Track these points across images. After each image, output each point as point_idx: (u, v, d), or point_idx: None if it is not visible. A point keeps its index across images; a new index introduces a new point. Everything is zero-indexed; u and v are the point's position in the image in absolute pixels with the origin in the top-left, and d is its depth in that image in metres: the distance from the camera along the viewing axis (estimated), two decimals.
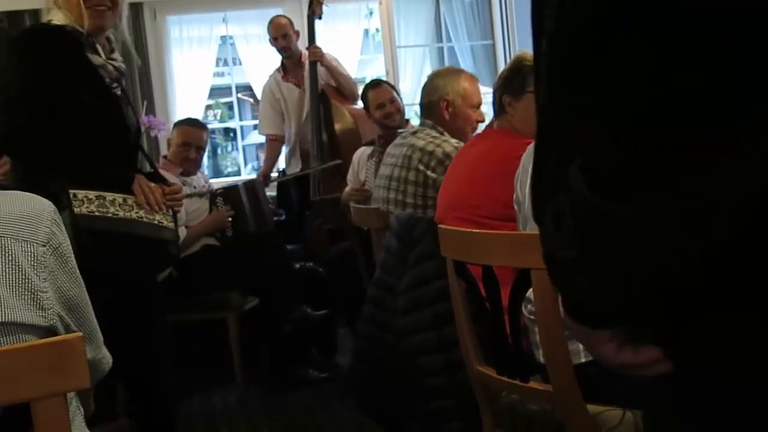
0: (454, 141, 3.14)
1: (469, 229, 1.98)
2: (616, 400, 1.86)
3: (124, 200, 2.71)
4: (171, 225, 2.79)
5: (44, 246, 1.25)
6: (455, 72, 3.33)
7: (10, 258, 1.21)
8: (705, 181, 0.60)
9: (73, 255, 1.33)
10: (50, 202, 1.33)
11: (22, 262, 1.21)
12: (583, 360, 1.86)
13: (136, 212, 2.71)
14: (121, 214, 2.66)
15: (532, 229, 1.98)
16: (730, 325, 0.67)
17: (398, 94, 4.37)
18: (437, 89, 3.26)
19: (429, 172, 3.05)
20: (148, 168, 2.96)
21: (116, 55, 2.81)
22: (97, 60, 2.67)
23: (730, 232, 0.61)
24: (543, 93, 0.70)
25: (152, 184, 2.73)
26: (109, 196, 2.78)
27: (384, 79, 5.12)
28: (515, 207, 2.12)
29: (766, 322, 0.65)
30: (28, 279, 1.21)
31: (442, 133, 3.20)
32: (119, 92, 2.78)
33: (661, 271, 0.64)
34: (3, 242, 1.21)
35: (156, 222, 2.76)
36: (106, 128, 2.76)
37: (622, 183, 0.62)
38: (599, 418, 1.83)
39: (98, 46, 2.70)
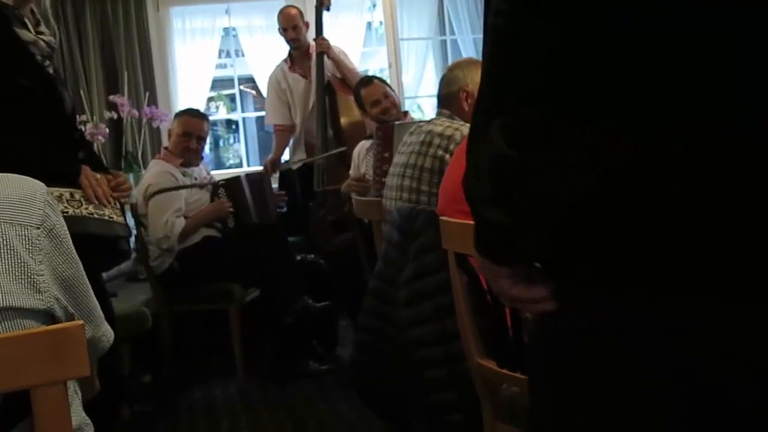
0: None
1: (470, 222, 1.98)
2: None
3: (72, 195, 2.51)
4: (121, 219, 2.61)
5: (38, 228, 1.24)
6: (475, 63, 3.31)
7: (5, 242, 1.20)
8: (579, 144, 0.82)
9: (68, 235, 1.32)
10: (42, 183, 1.32)
11: (17, 245, 1.21)
12: None
13: (86, 208, 2.52)
14: (70, 211, 2.46)
15: None
16: (605, 260, 0.84)
17: (390, 89, 4.37)
18: (457, 80, 3.25)
19: (447, 156, 3.04)
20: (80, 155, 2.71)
21: (43, 28, 2.51)
22: (27, 36, 2.40)
23: (597, 182, 0.82)
24: (483, 68, 0.91)
25: (98, 176, 2.51)
26: (55, 191, 2.53)
27: (387, 70, 5.11)
28: None
29: (632, 256, 0.82)
30: (24, 263, 1.21)
31: (456, 121, 3.20)
32: (51, 71, 2.51)
33: (550, 204, 0.84)
34: None
35: (107, 217, 2.57)
36: (44, 114, 2.51)
37: (529, 139, 0.85)
38: None
39: (25, 20, 2.41)
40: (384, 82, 4.44)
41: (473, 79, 3.21)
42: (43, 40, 2.41)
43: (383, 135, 3.92)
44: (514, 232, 0.89)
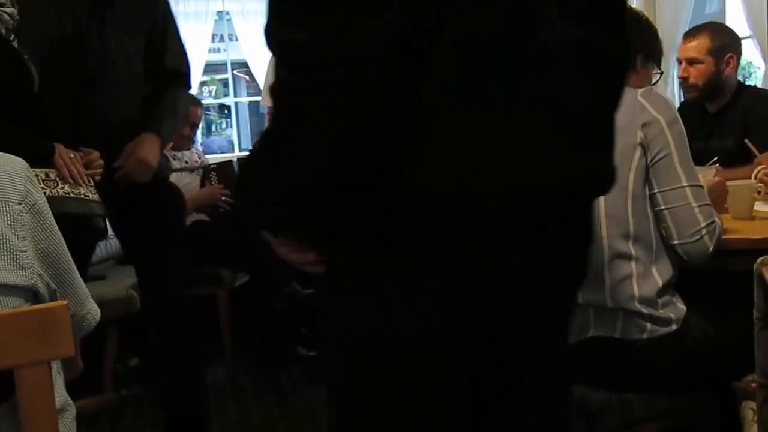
0: None
1: None
2: (603, 382, 1.87)
3: (47, 175, 2.47)
4: (96, 197, 2.57)
5: (20, 204, 1.23)
6: None
7: None
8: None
9: (50, 212, 1.31)
10: (22, 159, 1.31)
11: None
12: (571, 341, 1.86)
13: (62, 188, 2.48)
14: (47, 192, 2.42)
15: None
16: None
17: None
18: None
19: None
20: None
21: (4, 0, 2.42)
22: None
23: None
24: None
25: (72, 154, 2.48)
26: (34, 171, 2.54)
27: None
28: None
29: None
30: (6, 239, 1.20)
31: None
32: (16, 45, 2.43)
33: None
34: None
35: (83, 196, 2.54)
36: (13, 93, 2.44)
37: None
38: (585, 399, 1.84)
39: None
40: None
41: None
42: (6, 12, 2.33)
43: None
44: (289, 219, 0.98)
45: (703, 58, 2.94)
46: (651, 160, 1.82)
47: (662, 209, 1.83)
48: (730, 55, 2.94)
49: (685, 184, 1.81)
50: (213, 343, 4.30)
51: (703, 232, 1.80)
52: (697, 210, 1.81)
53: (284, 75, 0.91)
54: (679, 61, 3.02)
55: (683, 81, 2.99)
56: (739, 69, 3.09)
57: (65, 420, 1.35)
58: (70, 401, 1.37)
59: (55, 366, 1.31)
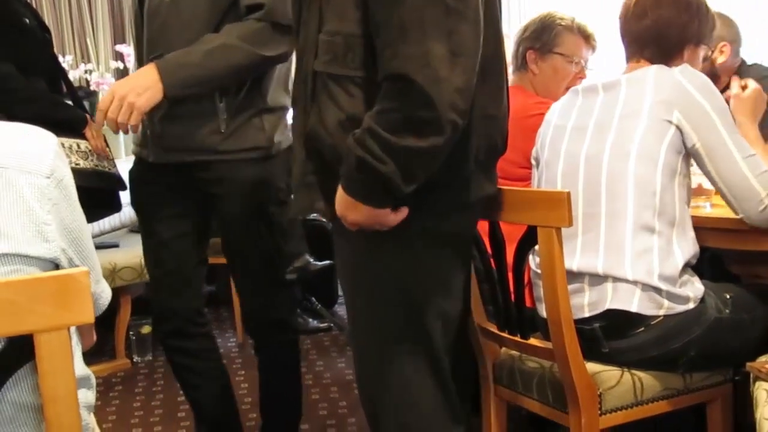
0: None
1: None
2: (616, 359, 1.87)
3: (78, 146, 2.48)
4: (115, 170, 2.60)
5: (48, 178, 1.24)
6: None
7: (15, 190, 1.20)
8: None
9: (74, 188, 1.32)
10: (53, 134, 1.32)
11: (27, 194, 1.21)
12: (586, 314, 1.86)
13: (92, 161, 2.50)
14: (81, 164, 2.45)
15: (547, 178, 1.98)
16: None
17: None
18: None
19: None
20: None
21: None
22: None
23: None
24: None
25: (96, 127, 2.45)
26: (65, 141, 2.48)
27: None
28: (532, 162, 2.11)
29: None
30: (33, 211, 1.21)
31: None
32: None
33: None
34: (7, 174, 1.20)
35: (107, 170, 2.56)
36: (45, 58, 2.42)
37: None
38: (597, 377, 1.84)
39: None
40: None
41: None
42: None
43: None
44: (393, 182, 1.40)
45: None
46: (700, 140, 1.82)
47: (720, 186, 1.84)
48: (723, 44, 2.92)
49: (737, 158, 1.81)
50: (223, 313, 4.32)
51: (766, 201, 1.81)
52: (754, 181, 1.81)
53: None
54: None
55: None
56: None
57: (82, 389, 1.36)
58: (89, 372, 1.37)
59: (75, 338, 1.32)
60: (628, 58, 2.01)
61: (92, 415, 1.43)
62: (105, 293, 1.45)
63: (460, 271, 1.62)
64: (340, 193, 1.45)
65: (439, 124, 1.35)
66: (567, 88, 2.44)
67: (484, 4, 1.43)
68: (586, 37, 2.56)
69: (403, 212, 1.47)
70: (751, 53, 3.19)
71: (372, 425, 1.68)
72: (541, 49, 2.54)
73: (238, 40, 1.98)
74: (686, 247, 1.86)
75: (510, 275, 1.89)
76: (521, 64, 2.59)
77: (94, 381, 1.39)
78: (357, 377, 1.71)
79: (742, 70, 3.00)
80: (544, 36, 2.54)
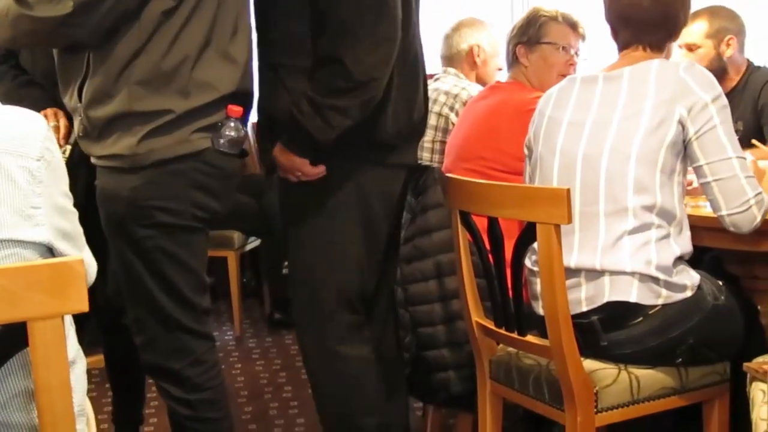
0: (477, 86, 3.12)
1: (476, 180, 1.97)
2: (613, 353, 1.86)
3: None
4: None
5: (39, 161, 1.24)
6: (480, 22, 3.30)
7: (6, 174, 1.20)
8: None
9: (65, 170, 1.32)
10: (42, 117, 1.32)
11: (18, 177, 1.21)
12: (584, 308, 1.86)
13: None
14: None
15: (542, 174, 1.97)
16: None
17: None
18: (466, 38, 3.24)
19: (452, 115, 3.03)
20: None
21: None
22: None
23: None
24: None
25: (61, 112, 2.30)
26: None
27: None
28: (525, 152, 2.10)
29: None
30: (24, 195, 1.21)
31: (462, 79, 3.19)
32: None
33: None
34: None
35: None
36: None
37: None
38: (594, 375, 1.84)
39: None
40: None
41: (486, 37, 3.22)
42: None
43: None
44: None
45: (701, 43, 2.94)
46: (696, 133, 1.81)
47: (709, 181, 1.82)
48: (729, 37, 2.91)
49: (731, 155, 1.81)
50: (221, 306, 4.32)
51: (752, 202, 1.80)
52: (744, 181, 1.80)
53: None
54: (681, 48, 2.99)
55: None
56: None
57: (75, 372, 1.36)
58: (82, 353, 1.38)
59: (68, 319, 1.31)
60: (625, 45, 1.98)
61: (87, 398, 1.43)
62: (93, 266, 1.44)
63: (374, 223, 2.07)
64: (278, 145, 1.98)
65: (356, 92, 1.89)
66: (562, 76, 2.46)
67: (402, 7, 1.90)
68: (572, 25, 2.60)
69: (321, 168, 1.99)
70: (755, 54, 3.20)
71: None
72: (529, 42, 2.58)
73: None
74: (683, 244, 1.87)
75: (508, 271, 1.88)
76: (513, 61, 2.64)
77: (85, 363, 1.39)
78: None
79: (750, 71, 2.99)
80: (530, 30, 2.58)
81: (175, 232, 1.88)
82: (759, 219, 1.81)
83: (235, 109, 1.88)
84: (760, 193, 1.81)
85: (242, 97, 1.93)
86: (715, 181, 1.82)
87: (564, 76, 2.49)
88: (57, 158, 1.30)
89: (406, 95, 2.05)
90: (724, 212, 1.82)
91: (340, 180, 2.01)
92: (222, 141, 1.87)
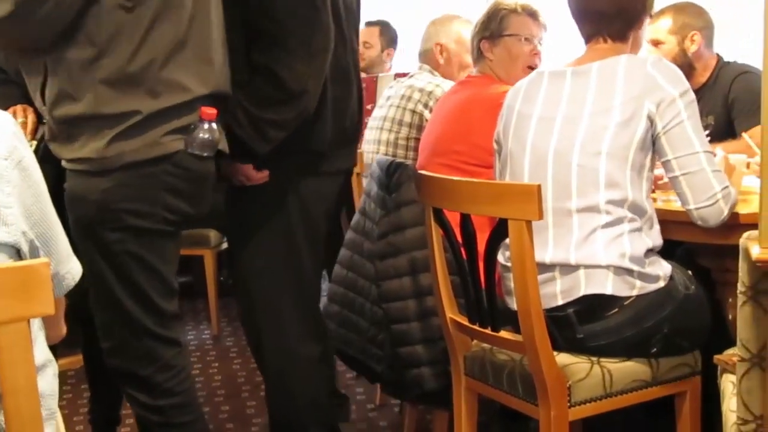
0: (451, 82, 3.12)
1: (449, 176, 1.97)
2: (588, 345, 1.88)
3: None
4: None
5: (6, 159, 1.21)
6: (449, 18, 3.30)
7: None
8: None
9: (38, 168, 1.29)
10: (10, 115, 1.29)
11: None
12: (560, 302, 1.87)
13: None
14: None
15: (513, 170, 1.98)
16: None
17: (390, 42, 4.41)
18: (431, 36, 3.26)
19: (426, 112, 3.04)
20: None
21: None
22: None
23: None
24: None
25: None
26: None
27: None
28: (494, 146, 2.11)
29: None
30: None
31: (436, 76, 3.20)
32: None
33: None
34: None
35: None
36: None
37: None
38: (567, 369, 1.85)
39: None
40: (389, 35, 4.48)
41: (447, 34, 3.22)
42: None
43: (366, 87, 3.89)
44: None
45: (665, 39, 2.99)
46: (663, 128, 1.83)
47: (677, 175, 1.84)
48: (693, 33, 2.96)
49: (698, 149, 1.83)
50: (198, 304, 4.30)
51: (719, 196, 1.82)
52: (711, 175, 1.82)
53: None
54: (648, 43, 3.03)
55: None
56: None
57: (46, 376, 1.34)
58: (52, 357, 1.36)
59: (37, 323, 1.30)
60: (589, 38, 2.00)
61: (56, 402, 1.42)
62: (72, 272, 1.37)
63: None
64: None
65: (291, 103, 1.98)
66: (528, 67, 2.48)
67: (334, 20, 2.01)
68: (532, 15, 2.62)
69: (265, 173, 2.10)
70: (729, 51, 3.22)
71: None
72: (492, 36, 2.59)
73: None
74: (654, 237, 1.90)
75: (480, 264, 1.89)
76: (478, 56, 2.64)
77: (55, 365, 1.37)
78: None
79: (720, 66, 3.02)
80: (492, 24, 2.59)
81: (145, 235, 1.85)
82: (726, 213, 1.83)
83: (209, 111, 1.84)
84: (726, 187, 1.83)
85: (219, 99, 1.91)
86: (683, 175, 1.84)
87: (530, 66, 2.52)
88: (27, 158, 1.26)
89: (340, 105, 2.15)
90: (692, 206, 1.84)
91: (279, 190, 2.13)
92: (195, 143, 1.85)
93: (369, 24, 4.59)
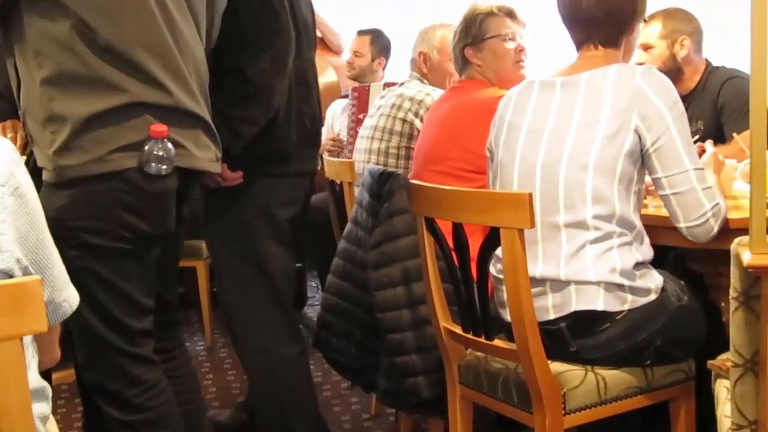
0: (441, 90, 3.13)
1: (440, 186, 1.97)
2: (582, 357, 1.88)
3: None
4: None
5: (3, 186, 1.21)
6: (434, 27, 3.31)
7: None
8: None
9: (35, 195, 1.29)
10: (9, 141, 1.29)
11: None
12: (552, 316, 1.87)
13: None
14: None
15: (503, 181, 1.98)
16: None
17: (382, 50, 4.41)
18: (417, 44, 3.27)
19: (417, 122, 3.04)
20: None
21: None
22: None
23: None
24: None
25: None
26: None
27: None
28: (487, 154, 2.11)
29: None
30: None
31: (427, 85, 3.21)
32: None
33: None
34: None
35: None
36: None
37: None
38: (561, 377, 1.85)
39: None
40: (377, 37, 4.48)
41: (429, 42, 3.22)
42: None
43: (359, 96, 3.89)
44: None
45: (655, 43, 3.02)
46: (653, 145, 1.81)
47: (667, 194, 1.84)
48: (683, 37, 2.98)
49: (688, 167, 1.82)
50: (192, 316, 4.29)
51: (709, 214, 1.81)
52: (701, 193, 1.81)
53: None
54: (638, 48, 3.05)
55: None
56: None
57: (41, 402, 1.33)
58: (45, 384, 1.35)
59: (31, 349, 1.29)
60: (580, 44, 1.98)
61: (50, 424, 1.41)
62: (69, 300, 1.37)
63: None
64: None
65: (259, 99, 2.18)
66: (517, 63, 2.53)
67: (294, 29, 2.22)
68: (509, 14, 2.62)
69: (238, 174, 2.27)
70: (729, 51, 3.25)
71: None
72: (474, 42, 2.59)
73: None
74: (644, 251, 1.89)
75: (473, 265, 1.89)
76: (463, 64, 2.64)
77: (50, 392, 1.36)
78: None
79: (709, 71, 3.04)
80: (472, 30, 2.59)
81: (103, 253, 1.82)
82: (716, 230, 1.83)
83: (158, 130, 1.78)
84: (717, 204, 1.83)
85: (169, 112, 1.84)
86: (673, 194, 1.83)
87: (518, 61, 2.53)
88: (25, 185, 1.26)
89: (302, 108, 2.38)
90: (682, 225, 1.84)
91: (246, 191, 2.31)
92: (149, 161, 1.78)
93: (361, 33, 4.57)
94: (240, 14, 2.13)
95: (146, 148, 1.77)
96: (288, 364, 2.42)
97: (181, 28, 1.85)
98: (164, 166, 1.80)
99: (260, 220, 2.35)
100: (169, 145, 1.80)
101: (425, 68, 3.24)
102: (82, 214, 1.79)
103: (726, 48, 3.26)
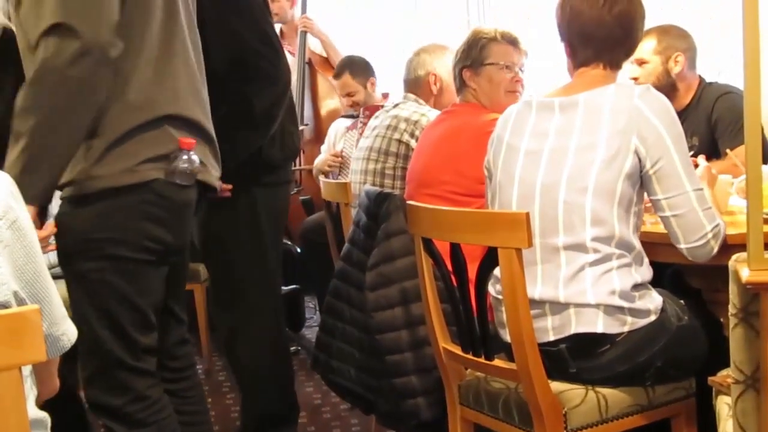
0: (437, 111, 3.13)
1: (438, 206, 1.97)
2: (582, 377, 1.87)
3: None
4: None
5: (0, 219, 1.21)
6: (441, 48, 3.31)
7: None
8: None
9: (32, 228, 1.28)
10: (7, 174, 1.29)
11: None
12: (551, 338, 1.86)
13: None
14: None
15: (501, 202, 1.98)
16: None
17: (366, 74, 4.36)
18: (424, 64, 3.25)
19: (413, 142, 3.04)
20: None
21: None
22: None
23: None
24: None
25: None
26: None
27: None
28: (485, 173, 2.11)
29: None
30: None
31: (423, 106, 3.20)
32: None
33: None
34: None
35: None
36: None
37: None
38: (562, 396, 1.84)
39: None
40: (361, 70, 4.39)
41: (443, 64, 3.22)
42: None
43: (370, 115, 3.89)
44: None
45: (650, 59, 3.04)
46: (652, 167, 1.81)
47: (668, 216, 1.84)
48: (677, 54, 3.00)
49: (688, 189, 1.82)
50: (190, 339, 4.26)
51: (709, 236, 1.82)
52: (701, 214, 1.82)
53: None
54: (632, 64, 3.06)
55: (634, 82, 3.03)
56: None
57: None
58: (43, 415, 1.33)
59: (30, 381, 1.29)
60: (583, 63, 1.96)
61: None
62: (68, 333, 1.36)
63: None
64: None
65: (263, 127, 2.51)
66: (510, 92, 2.53)
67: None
68: (512, 42, 2.64)
69: (229, 186, 2.33)
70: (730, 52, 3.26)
71: None
72: (473, 65, 2.60)
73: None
74: (643, 272, 1.89)
75: (471, 288, 1.88)
76: (461, 85, 2.66)
77: (49, 423, 1.35)
78: None
79: (702, 87, 3.06)
80: (473, 53, 2.61)
81: (124, 266, 1.84)
82: (716, 250, 1.83)
83: (187, 142, 1.85)
84: (717, 225, 1.83)
85: (191, 125, 1.91)
86: (673, 216, 1.83)
87: (512, 91, 2.53)
88: (23, 218, 1.25)
89: (290, 128, 2.64)
90: (682, 246, 1.85)
91: (238, 202, 2.48)
92: (175, 173, 1.85)
93: (337, 76, 4.39)
94: (250, 39, 2.37)
95: (176, 159, 1.84)
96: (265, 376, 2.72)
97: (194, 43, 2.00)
98: (189, 178, 1.88)
99: (245, 229, 2.60)
100: (194, 157, 1.87)
101: (435, 89, 3.23)
102: (109, 225, 1.82)
103: (726, 48, 3.27)
